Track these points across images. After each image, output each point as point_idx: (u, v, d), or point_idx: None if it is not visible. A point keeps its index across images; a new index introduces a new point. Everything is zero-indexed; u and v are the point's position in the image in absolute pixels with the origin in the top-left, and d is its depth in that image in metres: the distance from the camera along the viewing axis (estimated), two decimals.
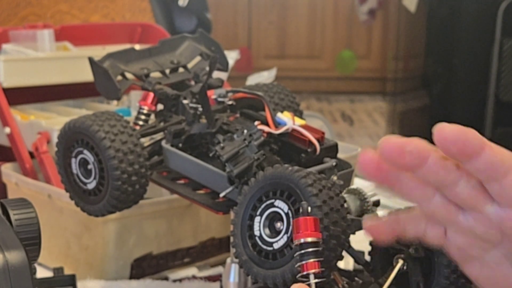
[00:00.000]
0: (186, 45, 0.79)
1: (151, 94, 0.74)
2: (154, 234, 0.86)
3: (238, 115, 0.72)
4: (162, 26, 1.35)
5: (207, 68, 0.74)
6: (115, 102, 1.13)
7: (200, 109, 0.71)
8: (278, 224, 0.54)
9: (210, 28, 1.92)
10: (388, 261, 0.57)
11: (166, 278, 0.87)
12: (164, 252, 0.88)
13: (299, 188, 0.53)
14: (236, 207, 0.57)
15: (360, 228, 0.57)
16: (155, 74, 0.76)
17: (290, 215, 0.53)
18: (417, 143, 0.44)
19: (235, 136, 0.64)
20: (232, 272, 0.72)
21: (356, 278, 0.59)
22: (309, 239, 0.47)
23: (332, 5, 4.61)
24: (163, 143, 0.71)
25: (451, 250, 0.48)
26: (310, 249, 0.47)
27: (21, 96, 1.07)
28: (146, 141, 0.72)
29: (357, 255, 0.59)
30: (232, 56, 1.13)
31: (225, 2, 4.56)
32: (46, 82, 1.07)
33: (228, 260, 0.72)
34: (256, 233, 0.55)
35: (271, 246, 0.54)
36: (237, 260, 0.56)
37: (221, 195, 0.65)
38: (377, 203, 0.60)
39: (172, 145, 0.70)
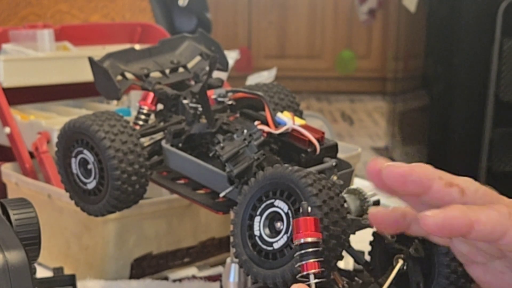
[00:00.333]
0: (186, 45, 0.79)
1: (151, 94, 0.74)
2: (154, 234, 0.86)
3: (238, 115, 0.72)
4: (162, 26, 1.35)
5: (207, 68, 0.74)
6: (115, 102, 1.13)
7: (200, 109, 0.71)
8: (278, 224, 0.54)
9: (210, 28, 1.92)
10: (388, 261, 0.57)
11: (166, 278, 0.87)
12: (164, 252, 0.88)
13: (299, 188, 0.53)
14: (236, 207, 0.57)
15: (360, 228, 0.57)
16: (155, 74, 0.76)
17: (290, 215, 0.53)
18: (420, 171, 0.44)
19: (235, 136, 0.64)
20: (232, 272, 0.72)
21: (356, 278, 0.59)
22: (309, 239, 0.47)
23: (332, 5, 4.61)
24: (163, 143, 0.71)
25: (456, 253, 0.49)
26: (310, 249, 0.47)
27: (21, 96, 1.07)
28: (146, 141, 0.72)
29: (357, 255, 0.59)
30: (232, 56, 1.13)
31: (225, 2, 4.56)
32: (46, 82, 1.07)
33: (228, 260, 0.72)
34: (256, 233, 0.55)
35: (271, 246, 0.54)
36: (237, 260, 0.56)
37: (221, 195, 0.65)
38: (377, 203, 0.60)
39: (172, 145, 0.70)
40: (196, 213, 0.89)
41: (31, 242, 0.52)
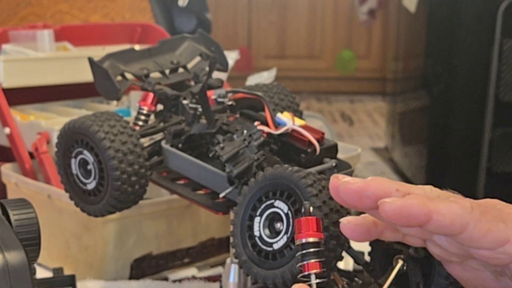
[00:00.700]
0: (186, 45, 0.79)
1: (151, 95, 0.74)
2: (154, 234, 0.86)
3: (238, 115, 0.72)
4: (162, 26, 1.35)
5: (207, 68, 0.74)
6: (114, 102, 1.13)
7: (200, 109, 0.71)
8: (278, 225, 0.54)
9: (210, 28, 1.92)
10: (388, 261, 0.57)
11: (166, 279, 0.87)
12: (164, 252, 0.88)
13: (299, 188, 0.53)
14: (235, 207, 0.57)
15: None
16: (155, 75, 0.76)
17: (290, 215, 0.53)
18: (375, 185, 0.44)
19: (235, 136, 0.64)
20: (232, 273, 0.72)
21: (356, 279, 0.59)
22: (311, 239, 0.47)
23: (332, 5, 4.61)
24: (163, 143, 0.71)
25: (432, 253, 0.48)
26: (312, 249, 0.47)
27: (21, 96, 1.07)
28: (146, 141, 0.72)
29: (356, 256, 0.59)
30: (232, 56, 1.13)
31: (225, 2, 4.56)
32: (46, 83, 1.08)
33: (228, 261, 0.72)
34: (256, 233, 0.55)
35: (271, 246, 0.54)
36: (236, 261, 0.56)
37: (221, 195, 0.65)
38: None
39: (172, 146, 0.70)
40: (196, 214, 0.89)
41: (31, 243, 0.52)
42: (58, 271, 0.74)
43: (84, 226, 0.85)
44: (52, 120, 1.00)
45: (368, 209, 0.45)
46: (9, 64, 1.03)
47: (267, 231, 0.55)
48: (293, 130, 0.65)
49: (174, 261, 0.89)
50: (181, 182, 0.70)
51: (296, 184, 0.53)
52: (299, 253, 0.48)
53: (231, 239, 0.57)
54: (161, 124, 0.73)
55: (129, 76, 0.76)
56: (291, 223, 0.53)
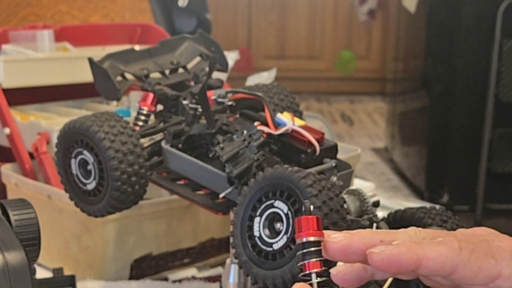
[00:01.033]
0: (186, 46, 0.79)
1: (151, 95, 0.74)
2: (154, 234, 0.86)
3: (237, 115, 0.72)
4: (162, 27, 1.35)
5: (207, 69, 0.74)
6: (114, 102, 1.13)
7: (200, 109, 0.71)
8: (278, 225, 0.54)
9: (210, 29, 1.92)
10: None
11: (166, 279, 0.87)
12: (164, 252, 0.88)
13: (299, 188, 0.53)
14: (235, 207, 0.57)
15: (360, 229, 0.56)
16: (155, 75, 0.76)
17: (290, 215, 0.53)
18: (359, 241, 0.44)
19: (234, 136, 0.64)
20: (232, 273, 0.72)
21: None
22: (311, 238, 0.47)
23: (332, 5, 4.61)
24: (163, 143, 0.71)
25: (425, 283, 0.49)
26: (312, 248, 0.47)
27: (21, 96, 1.07)
28: (146, 141, 0.72)
29: None
30: (231, 57, 1.13)
31: (225, 2, 4.56)
32: (46, 83, 1.08)
33: (228, 261, 0.72)
34: (256, 233, 0.55)
35: (271, 246, 0.54)
36: (236, 261, 0.56)
37: (221, 195, 0.65)
38: (376, 204, 0.60)
39: (171, 146, 0.70)
40: (196, 214, 0.89)
41: (31, 243, 0.52)
42: (58, 271, 0.74)
43: (84, 226, 0.85)
44: (52, 120, 1.00)
45: (358, 262, 0.46)
46: (9, 64, 1.03)
47: (267, 231, 0.55)
48: (293, 131, 0.65)
49: (174, 261, 0.89)
50: (181, 182, 0.70)
51: (296, 185, 0.53)
52: (299, 252, 0.48)
53: (231, 240, 0.57)
54: (161, 125, 0.73)
55: (129, 76, 0.76)
56: (291, 223, 0.53)
